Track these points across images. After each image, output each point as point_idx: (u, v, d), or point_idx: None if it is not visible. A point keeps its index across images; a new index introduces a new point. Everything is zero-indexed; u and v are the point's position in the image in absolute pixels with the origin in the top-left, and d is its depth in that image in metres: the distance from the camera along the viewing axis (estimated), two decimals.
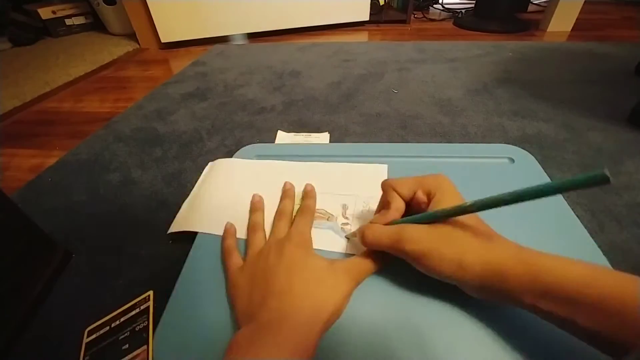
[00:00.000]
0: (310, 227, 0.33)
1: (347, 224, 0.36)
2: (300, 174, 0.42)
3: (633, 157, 0.47)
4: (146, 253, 0.36)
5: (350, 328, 0.26)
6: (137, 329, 0.28)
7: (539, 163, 0.43)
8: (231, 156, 0.49)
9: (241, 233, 0.35)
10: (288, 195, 0.38)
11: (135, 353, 0.26)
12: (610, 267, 0.30)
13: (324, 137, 0.55)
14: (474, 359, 0.24)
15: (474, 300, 0.27)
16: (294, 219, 0.35)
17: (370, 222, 0.30)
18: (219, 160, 0.48)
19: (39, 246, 0.34)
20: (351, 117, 0.61)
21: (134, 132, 0.60)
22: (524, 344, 0.25)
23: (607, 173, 0.16)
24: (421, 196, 0.28)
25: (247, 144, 0.51)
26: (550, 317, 0.21)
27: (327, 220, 0.36)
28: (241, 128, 0.60)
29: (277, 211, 0.36)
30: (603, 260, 0.31)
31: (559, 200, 0.38)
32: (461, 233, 0.25)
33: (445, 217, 0.26)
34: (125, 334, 0.28)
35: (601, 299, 0.19)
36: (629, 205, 0.39)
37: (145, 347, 0.26)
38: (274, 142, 0.55)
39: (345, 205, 0.38)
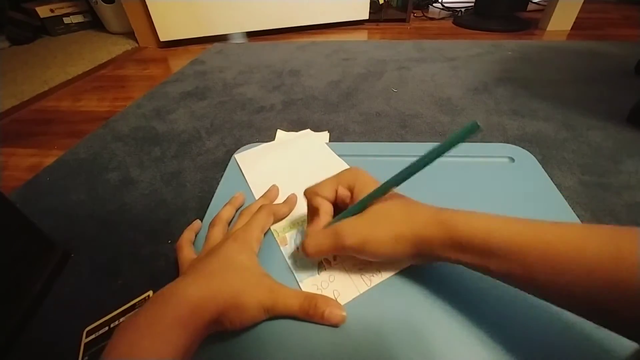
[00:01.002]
0: (261, 227, 0.32)
1: (329, 262, 0.32)
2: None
3: (633, 157, 0.47)
4: (145, 253, 0.36)
5: (349, 327, 0.26)
6: None
7: (539, 162, 0.43)
8: (231, 156, 0.49)
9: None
10: (265, 196, 0.38)
11: None
12: None
13: (323, 136, 0.55)
14: (473, 358, 0.24)
15: (474, 301, 0.27)
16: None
17: (306, 233, 0.30)
18: (311, 132, 0.53)
19: (37, 246, 0.34)
20: (350, 116, 0.61)
21: (133, 131, 0.60)
22: (524, 344, 0.25)
23: (479, 123, 0.21)
24: (343, 192, 0.30)
25: (247, 144, 0.51)
26: (472, 268, 0.23)
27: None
28: (240, 127, 0.60)
29: (243, 208, 0.36)
30: None
31: (559, 199, 0.38)
32: (386, 211, 0.26)
33: (370, 201, 0.27)
34: None
35: (506, 245, 0.21)
36: (628, 205, 0.39)
37: None
38: (273, 141, 0.55)
39: None
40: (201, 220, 0.37)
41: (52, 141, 0.60)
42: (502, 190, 0.39)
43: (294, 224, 0.36)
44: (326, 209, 0.30)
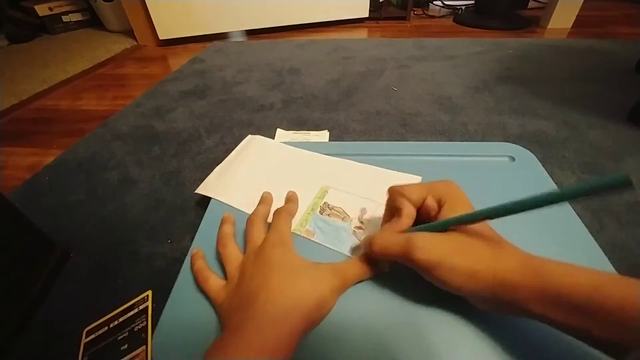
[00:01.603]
0: (289, 227, 0.32)
1: (360, 227, 0.35)
2: (328, 168, 0.43)
3: (633, 155, 0.47)
4: (145, 252, 0.36)
5: (349, 327, 0.26)
6: (135, 329, 0.28)
7: (540, 161, 0.43)
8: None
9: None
10: (263, 202, 0.37)
11: (134, 353, 0.26)
12: (608, 263, 0.30)
13: (323, 135, 0.55)
14: (473, 358, 0.24)
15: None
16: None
17: (381, 230, 0.29)
18: (257, 136, 0.50)
19: (36, 246, 0.34)
20: (351, 115, 0.61)
21: (132, 130, 0.60)
22: (524, 343, 0.25)
23: (629, 177, 0.15)
24: (431, 203, 0.28)
25: None
26: (563, 327, 0.20)
27: (342, 220, 0.36)
28: (240, 126, 0.59)
29: (250, 216, 0.34)
30: (603, 259, 0.31)
31: None
32: (471, 242, 0.24)
33: (457, 224, 0.25)
34: (124, 334, 0.28)
35: (614, 306, 0.18)
36: (629, 204, 0.39)
37: (144, 347, 0.26)
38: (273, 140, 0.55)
39: (364, 209, 0.37)
40: (191, 240, 0.36)
41: (52, 140, 0.60)
42: (502, 190, 0.39)
43: (307, 214, 0.37)
44: (409, 213, 0.28)
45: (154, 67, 0.94)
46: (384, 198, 0.33)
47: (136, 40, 1.15)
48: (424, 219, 0.28)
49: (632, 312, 0.17)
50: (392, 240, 0.26)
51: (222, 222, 0.35)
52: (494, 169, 0.42)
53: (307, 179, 0.41)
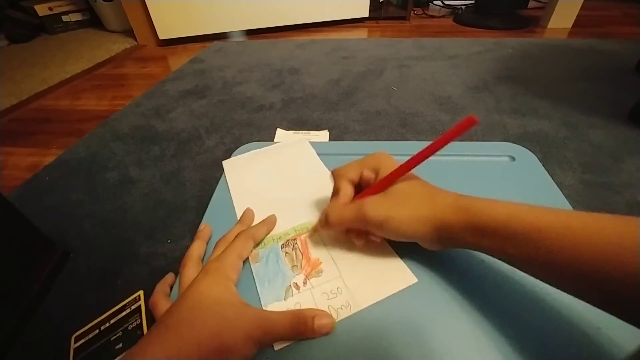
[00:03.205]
0: (238, 254, 0.29)
1: (298, 287, 0.29)
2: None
3: (633, 155, 0.47)
4: (144, 252, 0.36)
5: (350, 326, 0.26)
6: (129, 328, 0.28)
7: (540, 161, 0.43)
8: (230, 155, 0.48)
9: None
10: (240, 221, 0.35)
11: None
12: None
13: (323, 135, 0.55)
14: (473, 358, 0.24)
15: (474, 300, 0.27)
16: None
17: (328, 207, 0.31)
18: (303, 140, 0.49)
19: (36, 246, 0.34)
20: (351, 115, 0.61)
21: (132, 130, 0.60)
22: (523, 343, 0.25)
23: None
24: (368, 174, 0.31)
25: (246, 142, 0.51)
26: (490, 252, 0.24)
27: (291, 268, 0.31)
28: (240, 126, 0.59)
29: (220, 238, 0.32)
30: None
31: (559, 198, 0.37)
32: (409, 192, 0.28)
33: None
34: (118, 334, 0.28)
35: (526, 229, 0.21)
36: (629, 204, 0.39)
37: None
38: (273, 140, 0.55)
39: (318, 272, 0.31)
40: (190, 241, 0.36)
41: (51, 140, 0.60)
42: (502, 189, 0.39)
43: (270, 240, 0.34)
44: (346, 192, 0.31)
45: (153, 67, 0.94)
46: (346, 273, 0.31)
47: (136, 40, 1.15)
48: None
49: (536, 230, 0.21)
50: (344, 210, 0.29)
51: (195, 237, 0.33)
52: (494, 169, 0.42)
53: (313, 205, 0.38)
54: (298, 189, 0.40)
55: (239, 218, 0.36)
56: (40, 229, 0.34)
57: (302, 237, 0.34)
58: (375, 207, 0.27)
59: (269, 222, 0.35)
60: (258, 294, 0.29)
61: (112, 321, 0.29)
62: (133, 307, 0.30)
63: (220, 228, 0.34)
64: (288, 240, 0.34)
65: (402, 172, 0.28)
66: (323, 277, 0.30)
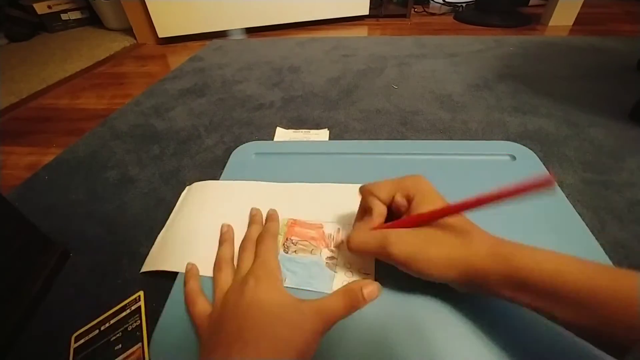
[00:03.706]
0: (274, 253, 0.30)
1: (333, 257, 0.32)
2: (281, 197, 0.39)
3: (634, 154, 0.47)
4: (145, 252, 0.36)
5: (350, 326, 0.26)
6: (129, 329, 0.28)
7: (541, 160, 0.43)
8: (230, 153, 0.48)
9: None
10: (255, 221, 0.35)
11: (129, 351, 0.26)
12: (609, 262, 0.30)
13: (323, 134, 0.55)
14: (473, 358, 0.24)
15: (474, 300, 0.27)
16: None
17: (354, 228, 0.29)
18: (194, 184, 0.43)
19: (36, 245, 0.34)
20: (351, 114, 0.61)
21: (132, 129, 0.60)
22: (523, 344, 0.25)
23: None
24: (400, 200, 0.28)
25: (246, 141, 0.51)
26: (532, 309, 0.21)
27: (311, 253, 0.32)
28: (239, 125, 0.59)
29: (242, 240, 0.33)
30: (604, 258, 0.31)
31: (560, 197, 0.37)
32: (443, 234, 0.25)
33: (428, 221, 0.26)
34: (117, 335, 0.28)
35: (577, 291, 0.19)
36: (630, 203, 0.39)
37: (139, 344, 0.26)
38: (272, 138, 0.55)
39: (330, 235, 0.34)
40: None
41: (51, 139, 0.60)
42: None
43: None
44: (380, 211, 0.29)
45: (153, 66, 0.94)
46: (339, 213, 0.35)
47: (135, 39, 1.14)
48: (396, 216, 0.29)
49: (589, 294, 0.19)
50: (368, 237, 0.27)
51: (186, 277, 0.31)
52: (495, 168, 0.42)
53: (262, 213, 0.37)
54: (236, 213, 0.37)
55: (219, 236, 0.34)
56: (40, 229, 0.34)
57: (291, 229, 0.35)
58: (401, 243, 0.25)
59: (275, 217, 0.35)
60: (316, 292, 0.29)
61: (112, 321, 0.29)
62: (133, 308, 0.30)
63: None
64: (284, 244, 0.34)
65: (443, 214, 0.26)
66: (335, 237, 0.33)
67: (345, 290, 0.25)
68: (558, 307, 0.20)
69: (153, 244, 0.37)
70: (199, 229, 0.36)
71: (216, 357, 0.22)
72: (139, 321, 0.28)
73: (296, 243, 0.33)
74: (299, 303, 0.25)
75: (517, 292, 0.21)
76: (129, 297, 0.31)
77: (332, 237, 0.34)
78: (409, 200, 0.28)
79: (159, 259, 0.34)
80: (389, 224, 0.28)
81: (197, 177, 0.46)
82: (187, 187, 0.44)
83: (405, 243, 0.25)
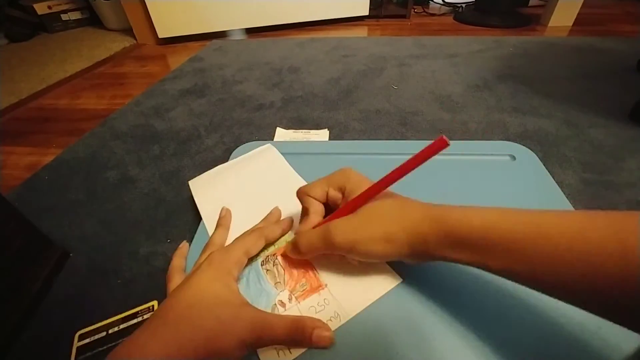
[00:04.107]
0: (244, 250, 0.29)
1: (283, 305, 0.28)
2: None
3: (634, 154, 0.47)
4: (144, 252, 0.36)
5: (350, 326, 0.26)
6: None
7: (540, 160, 0.43)
8: (230, 154, 0.48)
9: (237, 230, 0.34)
10: (222, 224, 0.34)
11: None
12: None
13: (323, 134, 0.55)
14: (473, 357, 0.24)
15: (473, 300, 0.27)
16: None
17: (296, 232, 0.29)
18: (270, 147, 0.47)
19: (35, 246, 0.34)
20: (351, 114, 0.61)
21: (132, 129, 0.60)
22: (523, 344, 0.25)
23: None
24: (334, 193, 0.29)
25: (246, 141, 0.51)
26: (469, 264, 0.22)
27: (274, 285, 0.30)
28: (239, 125, 0.59)
29: (206, 245, 0.32)
30: None
31: (560, 197, 0.37)
32: (378, 211, 0.26)
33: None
34: None
35: (504, 239, 0.20)
36: (630, 203, 0.39)
37: None
38: (272, 139, 0.55)
39: (303, 285, 0.30)
40: (191, 240, 0.35)
41: (51, 139, 0.60)
42: (503, 188, 0.39)
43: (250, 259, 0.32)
44: (316, 209, 0.30)
45: (153, 66, 0.94)
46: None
47: (135, 39, 1.14)
48: (334, 210, 0.29)
49: (517, 243, 0.20)
50: (311, 236, 0.28)
51: (218, 224, 0.34)
52: (495, 168, 0.42)
53: (291, 216, 0.36)
54: (271, 201, 0.38)
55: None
56: (40, 229, 0.34)
57: (282, 251, 0.32)
58: (342, 231, 0.26)
59: (285, 224, 0.34)
60: None
61: (121, 326, 0.29)
62: (145, 317, 0.29)
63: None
64: (267, 256, 0.32)
65: (372, 193, 0.26)
66: (308, 290, 0.29)
67: (295, 319, 0.24)
68: (490, 258, 0.21)
69: (153, 243, 0.37)
70: (242, 194, 0.39)
71: (136, 334, 0.22)
72: None
73: (275, 264, 0.31)
74: (239, 305, 0.24)
75: (454, 250, 0.22)
76: (136, 296, 0.31)
77: (303, 289, 0.29)
78: (342, 192, 0.29)
79: (202, 190, 0.40)
80: (327, 218, 0.29)
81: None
82: (268, 145, 0.48)
83: (345, 229, 0.26)
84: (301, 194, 0.31)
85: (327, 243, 0.26)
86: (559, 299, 0.20)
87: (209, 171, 0.43)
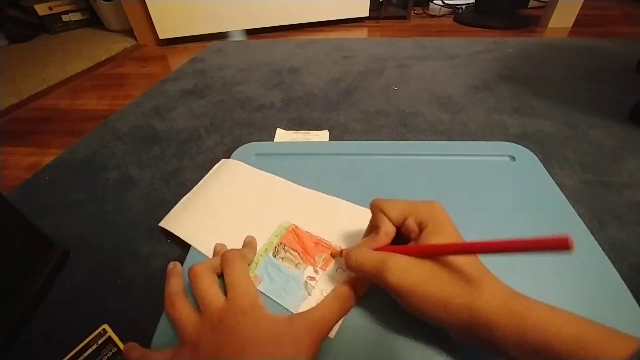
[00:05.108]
0: (247, 276, 0.28)
1: (313, 278, 0.30)
2: (298, 201, 0.39)
3: (634, 155, 0.47)
4: (145, 252, 0.36)
5: (350, 327, 0.26)
6: (106, 358, 0.27)
7: (540, 161, 0.43)
8: (230, 154, 0.48)
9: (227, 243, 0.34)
10: (174, 274, 0.31)
11: None
12: (613, 269, 0.30)
13: (323, 135, 0.55)
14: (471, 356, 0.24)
15: None
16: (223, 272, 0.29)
17: (359, 246, 0.27)
18: (230, 160, 0.46)
19: (36, 246, 0.34)
20: (351, 115, 0.61)
21: (132, 129, 0.60)
22: None
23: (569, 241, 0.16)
24: (412, 225, 0.26)
25: (246, 142, 0.51)
26: None
27: (295, 266, 0.31)
28: (240, 126, 0.59)
29: (193, 267, 0.29)
30: (604, 259, 0.31)
31: (560, 198, 0.37)
32: (450, 274, 0.22)
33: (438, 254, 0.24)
34: None
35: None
36: (629, 204, 0.39)
37: None
38: (273, 139, 0.55)
39: (321, 255, 0.32)
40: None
41: (51, 140, 0.60)
42: (503, 189, 0.39)
43: (259, 256, 0.33)
44: (387, 231, 0.27)
45: (153, 67, 0.94)
46: (341, 241, 0.33)
47: (136, 40, 1.15)
48: (404, 240, 0.27)
49: None
50: (367, 257, 0.25)
51: (168, 276, 0.30)
52: (495, 169, 0.42)
53: (273, 211, 0.37)
54: (252, 203, 0.39)
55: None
56: (40, 229, 0.34)
57: (288, 235, 0.34)
58: (401, 271, 0.23)
59: (252, 244, 0.33)
60: (283, 307, 0.28)
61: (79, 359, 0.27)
62: (100, 342, 0.28)
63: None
64: (275, 247, 0.33)
65: (452, 250, 0.23)
66: (327, 258, 0.32)
67: (339, 294, 0.26)
68: None
69: (153, 244, 0.37)
70: (217, 208, 0.38)
71: None
72: (114, 348, 0.27)
73: (287, 250, 0.33)
74: (289, 323, 0.24)
75: (529, 354, 0.19)
76: (135, 297, 0.31)
77: (322, 256, 0.32)
78: (421, 227, 0.26)
79: (175, 222, 0.37)
80: (393, 247, 0.26)
81: (198, 178, 0.46)
82: (222, 160, 0.47)
83: (405, 272, 0.23)
84: (376, 209, 0.28)
85: (378, 273, 0.24)
86: None
87: (174, 207, 0.40)
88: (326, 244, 0.33)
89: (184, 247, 0.35)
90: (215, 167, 0.46)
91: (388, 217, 0.27)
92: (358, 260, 0.26)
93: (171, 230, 0.36)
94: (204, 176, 0.46)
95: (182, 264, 0.32)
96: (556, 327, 0.19)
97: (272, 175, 0.43)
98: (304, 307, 0.28)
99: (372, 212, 0.29)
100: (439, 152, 0.45)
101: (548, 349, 0.18)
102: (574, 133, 0.52)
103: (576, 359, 0.17)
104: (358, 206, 0.37)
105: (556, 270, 0.30)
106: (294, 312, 0.28)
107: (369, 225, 0.31)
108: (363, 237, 0.31)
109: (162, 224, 0.38)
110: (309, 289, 0.29)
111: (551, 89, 0.67)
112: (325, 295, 0.29)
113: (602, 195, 0.40)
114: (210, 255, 0.33)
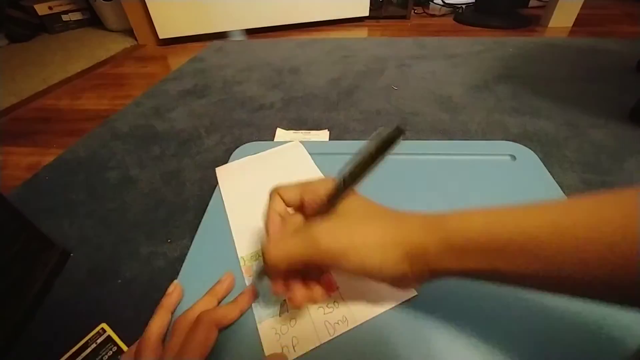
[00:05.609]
0: (201, 354, 0.23)
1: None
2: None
3: (634, 155, 0.47)
4: (145, 252, 0.36)
5: (347, 339, 0.26)
6: (105, 358, 0.27)
7: (541, 160, 0.43)
8: (230, 154, 0.48)
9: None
10: (211, 292, 0.29)
11: None
12: None
13: (323, 135, 0.55)
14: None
15: (473, 301, 0.27)
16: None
17: (268, 240, 0.25)
18: (295, 144, 0.48)
19: (36, 245, 0.34)
20: (351, 114, 0.61)
21: (132, 129, 0.60)
22: (523, 344, 0.25)
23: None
24: (310, 201, 0.25)
25: (246, 142, 0.51)
26: (479, 276, 0.19)
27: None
28: (240, 125, 0.59)
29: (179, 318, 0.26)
30: None
31: (560, 197, 0.37)
32: (370, 215, 0.22)
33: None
34: None
35: (514, 234, 0.18)
36: None
37: None
38: (273, 139, 0.55)
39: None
40: (191, 240, 0.35)
41: (51, 140, 0.60)
42: (503, 188, 0.39)
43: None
44: (277, 208, 0.25)
45: (153, 67, 0.94)
46: None
47: (136, 40, 1.15)
48: (310, 216, 0.25)
49: (532, 240, 0.17)
50: (289, 243, 0.22)
51: (159, 306, 0.28)
52: (495, 168, 0.42)
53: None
54: None
55: (232, 229, 0.34)
56: (40, 229, 0.34)
57: None
58: (330, 232, 0.21)
59: (242, 303, 0.28)
60: (252, 309, 0.28)
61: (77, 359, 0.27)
62: (99, 341, 0.28)
63: (217, 240, 0.34)
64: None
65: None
66: None
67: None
68: (500, 260, 0.18)
69: (153, 244, 0.37)
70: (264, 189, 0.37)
71: None
72: (114, 347, 0.27)
73: None
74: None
75: (458, 258, 0.19)
76: (135, 298, 0.31)
77: None
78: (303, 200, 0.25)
79: (227, 179, 0.41)
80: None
81: (198, 178, 0.46)
82: (295, 142, 0.48)
83: (334, 234, 0.21)
84: (273, 192, 0.26)
85: (311, 251, 0.21)
86: (579, 296, 0.17)
87: (237, 160, 0.45)
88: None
89: (185, 247, 0.35)
90: (286, 145, 0.48)
91: (283, 199, 0.26)
92: (280, 251, 0.22)
93: (219, 183, 0.41)
94: (204, 176, 0.46)
95: (181, 265, 0.32)
96: (468, 221, 0.19)
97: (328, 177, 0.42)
98: (267, 323, 0.27)
99: (269, 197, 0.27)
100: (439, 151, 0.45)
101: (468, 244, 0.19)
102: (575, 133, 0.52)
103: (492, 242, 0.18)
104: None
105: None
106: (259, 323, 0.27)
107: (268, 216, 0.26)
108: (265, 233, 0.26)
109: (218, 170, 0.42)
110: (282, 310, 0.28)
111: (552, 88, 0.67)
112: (292, 325, 0.27)
113: None
114: (231, 224, 0.34)
